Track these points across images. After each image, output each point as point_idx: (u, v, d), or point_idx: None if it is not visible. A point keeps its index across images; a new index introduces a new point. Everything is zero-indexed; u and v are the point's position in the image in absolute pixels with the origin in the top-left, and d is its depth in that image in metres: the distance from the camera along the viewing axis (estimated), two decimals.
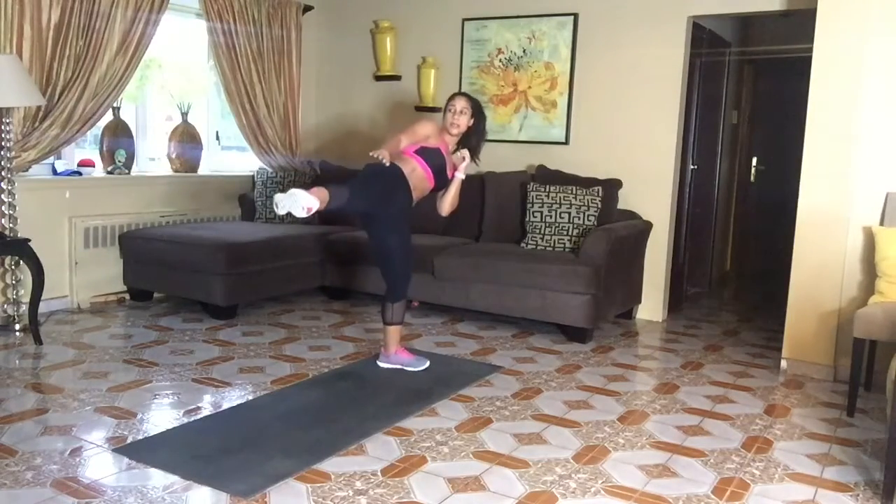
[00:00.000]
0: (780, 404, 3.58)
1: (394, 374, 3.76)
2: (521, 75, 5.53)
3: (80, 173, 4.90)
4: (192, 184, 5.56)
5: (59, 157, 4.81)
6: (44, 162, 4.64)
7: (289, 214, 3.16)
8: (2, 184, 4.21)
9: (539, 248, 4.84)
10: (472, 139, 3.78)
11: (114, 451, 2.73)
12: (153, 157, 5.63)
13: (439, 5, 5.84)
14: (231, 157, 6.16)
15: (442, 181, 3.75)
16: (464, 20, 5.72)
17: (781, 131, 7.04)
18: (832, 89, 3.93)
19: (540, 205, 4.88)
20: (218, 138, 6.03)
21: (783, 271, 4.23)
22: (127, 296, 5.09)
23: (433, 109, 5.86)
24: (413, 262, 3.95)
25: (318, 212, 3.21)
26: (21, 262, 4.21)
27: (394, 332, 3.84)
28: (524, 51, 5.50)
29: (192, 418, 3.08)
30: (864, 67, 3.85)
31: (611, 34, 5.18)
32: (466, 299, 4.72)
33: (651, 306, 5.21)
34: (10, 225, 4.24)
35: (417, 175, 3.64)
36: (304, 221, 5.66)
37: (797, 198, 4.06)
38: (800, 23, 4.53)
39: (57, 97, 4.51)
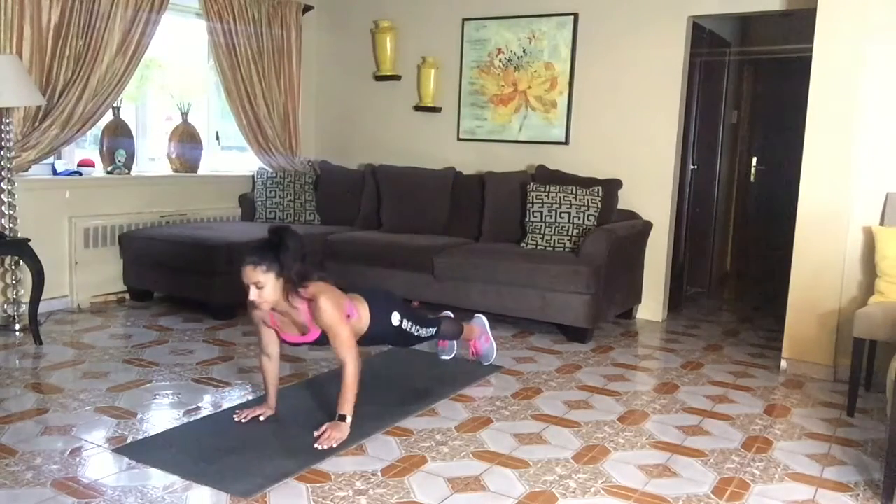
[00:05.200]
0: (780, 404, 3.58)
1: (394, 374, 3.75)
2: (521, 75, 5.53)
3: (80, 173, 4.90)
4: (192, 184, 5.56)
5: (59, 157, 4.81)
6: (44, 162, 4.63)
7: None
8: (2, 184, 4.21)
9: (539, 248, 4.83)
10: (289, 277, 2.82)
11: (114, 451, 2.73)
12: (153, 157, 5.63)
13: (439, 5, 5.84)
14: (231, 157, 6.16)
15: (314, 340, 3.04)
16: (464, 20, 5.72)
17: (781, 131, 7.04)
18: (832, 89, 3.93)
19: (540, 205, 4.88)
20: (218, 138, 6.03)
21: (783, 271, 4.23)
22: (127, 296, 5.09)
23: (433, 109, 5.87)
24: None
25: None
26: (21, 262, 4.21)
27: (466, 332, 3.88)
28: (524, 51, 5.50)
29: (192, 418, 3.08)
30: (863, 67, 3.85)
31: (611, 34, 5.18)
32: (466, 299, 4.72)
33: (651, 306, 5.21)
34: (10, 225, 4.24)
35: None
36: (305, 221, 5.69)
37: (797, 198, 4.06)
38: (800, 23, 4.54)
39: (57, 97, 4.50)
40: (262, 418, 3.04)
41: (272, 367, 3.10)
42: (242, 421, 3.02)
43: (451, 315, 4.01)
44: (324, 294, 2.85)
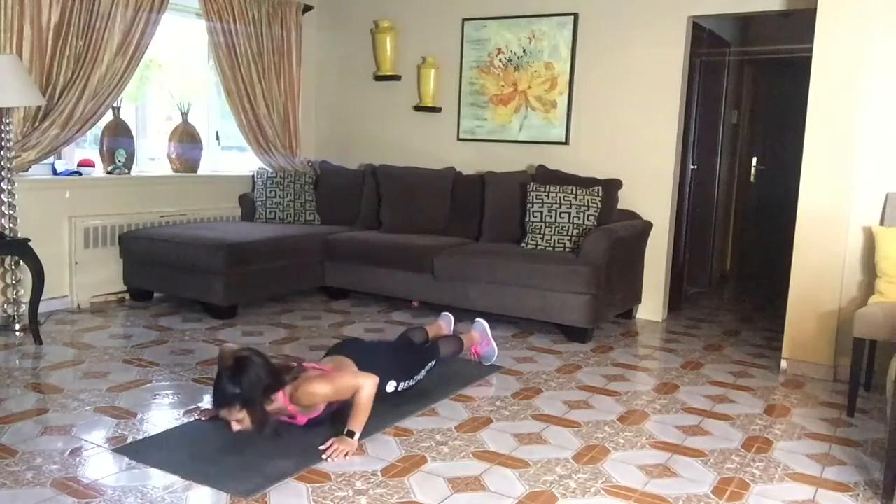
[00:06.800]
0: (780, 404, 3.58)
1: None
2: (521, 75, 5.53)
3: (80, 173, 4.90)
4: (192, 184, 5.56)
5: (59, 157, 4.82)
6: (44, 162, 4.64)
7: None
8: (2, 184, 4.20)
9: (539, 248, 4.83)
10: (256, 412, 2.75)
11: (114, 451, 2.73)
12: (153, 157, 5.63)
13: (439, 5, 5.84)
14: (231, 157, 6.16)
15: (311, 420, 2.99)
16: (464, 20, 5.72)
17: (781, 131, 7.06)
18: (832, 89, 3.93)
19: (540, 205, 4.88)
20: (218, 138, 6.03)
21: (783, 271, 4.23)
22: (127, 296, 5.09)
23: (433, 109, 5.87)
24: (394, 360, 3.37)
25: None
26: (21, 262, 4.21)
27: (466, 342, 3.88)
28: (524, 51, 5.50)
29: (192, 418, 3.08)
30: (864, 67, 3.85)
31: (611, 34, 5.17)
32: (466, 299, 4.72)
33: (651, 306, 5.21)
34: (10, 225, 4.24)
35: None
36: (305, 221, 5.69)
37: (797, 198, 4.06)
38: (800, 23, 4.54)
39: (57, 97, 4.50)
40: (221, 416, 3.02)
41: None
42: (203, 419, 3.04)
43: (451, 317, 4.02)
44: (300, 390, 2.82)
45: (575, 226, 4.79)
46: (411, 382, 3.33)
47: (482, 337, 3.97)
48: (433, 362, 3.49)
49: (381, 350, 3.51)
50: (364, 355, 3.18)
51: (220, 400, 2.73)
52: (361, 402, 2.84)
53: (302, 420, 2.94)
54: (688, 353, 4.40)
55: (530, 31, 5.46)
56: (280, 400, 2.82)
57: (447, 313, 4.07)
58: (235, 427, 2.76)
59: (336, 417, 2.96)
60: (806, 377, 4.02)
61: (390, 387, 3.18)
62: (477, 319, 4.06)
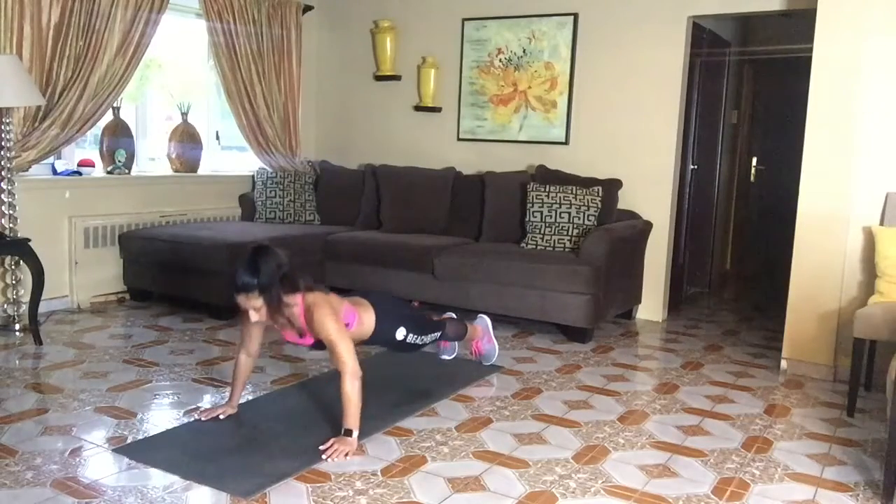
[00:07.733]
0: (780, 404, 3.58)
1: (394, 374, 3.75)
2: (521, 75, 5.53)
3: (80, 173, 4.90)
4: (192, 184, 5.56)
5: (59, 157, 4.82)
6: (44, 162, 4.64)
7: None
8: (2, 184, 4.21)
9: (539, 248, 4.83)
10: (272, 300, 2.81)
11: (114, 451, 2.73)
12: (153, 157, 5.63)
13: (439, 5, 5.84)
14: (231, 157, 6.16)
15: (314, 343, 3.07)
16: (464, 20, 5.72)
17: (781, 131, 7.04)
18: (832, 89, 3.93)
19: (540, 205, 4.88)
20: (218, 138, 6.03)
21: (783, 271, 4.23)
22: (127, 296, 5.09)
23: (433, 109, 5.87)
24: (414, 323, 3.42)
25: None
26: (21, 262, 4.21)
27: (470, 332, 3.90)
28: (524, 51, 5.50)
29: (192, 418, 3.08)
30: (863, 67, 3.85)
31: (611, 34, 5.17)
32: (466, 299, 4.72)
33: (651, 306, 5.21)
34: (10, 225, 4.24)
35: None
36: (305, 221, 5.69)
37: (797, 198, 4.07)
38: (800, 23, 4.54)
39: (57, 97, 4.51)
40: (221, 417, 3.05)
41: (247, 365, 3.12)
42: (203, 419, 3.05)
43: (455, 316, 4.02)
44: (318, 306, 2.86)
45: (575, 226, 4.79)
46: (418, 340, 3.36)
47: (484, 332, 3.98)
48: (438, 334, 3.54)
49: (398, 300, 3.59)
50: (383, 299, 3.30)
51: (240, 284, 2.74)
52: (345, 395, 2.81)
53: (309, 340, 2.98)
54: (688, 353, 4.40)
55: (530, 31, 5.46)
56: (297, 306, 2.86)
57: (451, 313, 4.07)
58: (253, 317, 2.82)
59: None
60: (806, 377, 4.02)
61: (400, 334, 3.24)
62: (480, 315, 4.07)
